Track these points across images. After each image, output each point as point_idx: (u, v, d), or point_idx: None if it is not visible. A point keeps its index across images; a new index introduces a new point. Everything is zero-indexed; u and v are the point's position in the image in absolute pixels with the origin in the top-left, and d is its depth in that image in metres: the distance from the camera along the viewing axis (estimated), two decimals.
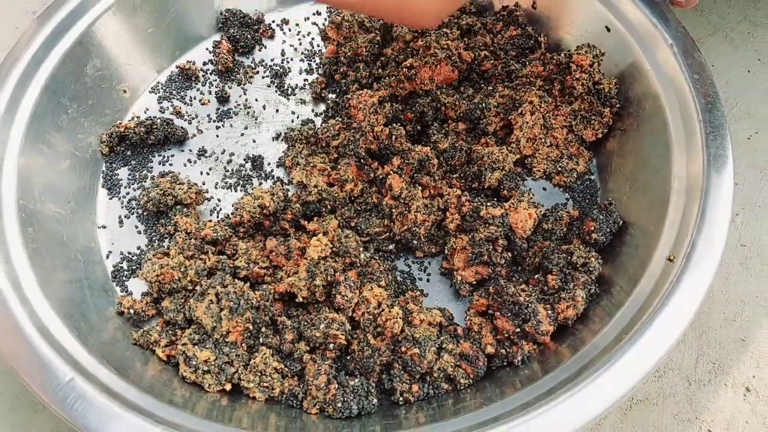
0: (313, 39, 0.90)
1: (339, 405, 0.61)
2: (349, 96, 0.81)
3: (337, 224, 0.71)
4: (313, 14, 0.92)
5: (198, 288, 0.66)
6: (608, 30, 0.78)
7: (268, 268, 0.70)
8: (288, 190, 0.77)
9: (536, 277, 0.69)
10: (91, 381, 0.57)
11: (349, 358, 0.66)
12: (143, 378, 0.61)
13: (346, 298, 0.65)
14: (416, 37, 0.83)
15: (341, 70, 0.85)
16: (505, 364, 0.66)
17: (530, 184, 0.78)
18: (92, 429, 0.54)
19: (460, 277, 0.70)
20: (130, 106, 0.84)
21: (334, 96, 0.85)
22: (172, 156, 0.81)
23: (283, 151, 0.81)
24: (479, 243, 0.69)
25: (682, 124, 0.69)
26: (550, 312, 0.66)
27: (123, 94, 0.83)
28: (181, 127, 0.82)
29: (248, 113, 0.84)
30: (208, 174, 0.80)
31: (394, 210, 0.73)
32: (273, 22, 0.91)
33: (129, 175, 0.79)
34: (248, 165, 0.81)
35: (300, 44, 0.90)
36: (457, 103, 0.78)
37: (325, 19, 0.91)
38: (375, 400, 0.62)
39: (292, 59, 0.89)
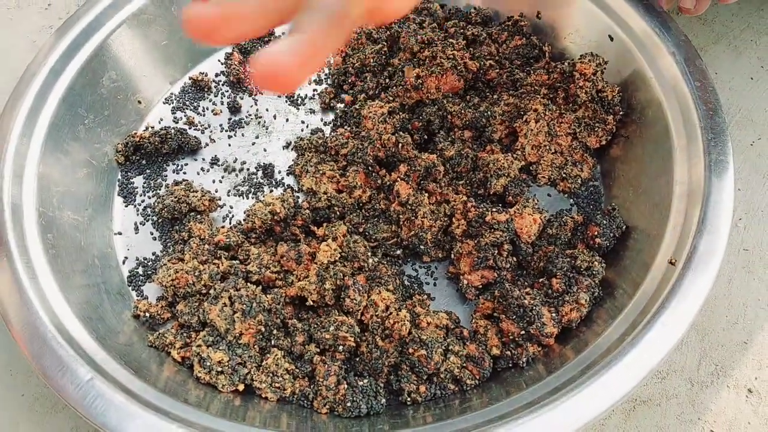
0: None
1: (348, 405, 0.62)
2: (357, 105, 0.82)
3: (345, 230, 0.73)
4: None
5: (212, 292, 0.68)
6: (611, 39, 0.80)
7: (279, 273, 0.71)
8: (298, 197, 0.79)
9: (541, 280, 0.71)
10: (109, 381, 0.58)
11: (358, 359, 0.67)
12: (159, 378, 0.63)
13: (355, 301, 0.67)
14: (423, 48, 0.84)
15: (349, 80, 0.87)
16: (510, 365, 0.67)
17: (535, 191, 0.79)
18: (111, 427, 0.56)
19: (466, 281, 0.71)
20: (144, 116, 0.86)
21: (342, 105, 0.87)
22: (186, 165, 0.83)
23: (292, 160, 0.83)
24: (485, 248, 0.71)
25: (684, 131, 0.71)
26: (554, 315, 0.67)
27: (138, 105, 0.85)
28: (195, 136, 0.84)
29: (259, 123, 0.86)
30: (220, 182, 0.82)
31: (401, 216, 0.74)
32: (283, 33, 0.93)
33: (144, 183, 0.81)
34: (259, 173, 0.82)
35: None
36: (463, 111, 0.80)
37: None
38: (383, 400, 0.64)
39: None
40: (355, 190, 0.76)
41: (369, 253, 0.71)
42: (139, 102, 0.85)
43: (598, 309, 0.68)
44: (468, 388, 0.66)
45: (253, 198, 0.81)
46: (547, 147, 0.79)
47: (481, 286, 0.72)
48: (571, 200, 0.79)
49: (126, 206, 0.80)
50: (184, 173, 0.82)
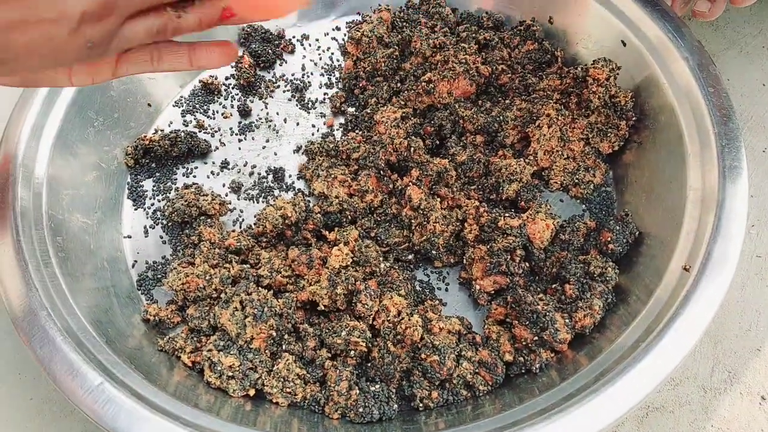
0: (332, 54, 0.92)
1: (360, 410, 0.62)
2: (368, 110, 0.82)
3: (357, 234, 0.73)
4: (333, 30, 0.93)
5: (222, 296, 0.68)
6: (624, 44, 0.79)
7: (290, 277, 0.71)
8: (309, 201, 0.78)
9: (554, 286, 0.71)
10: (119, 385, 0.58)
11: (369, 364, 0.67)
12: (169, 383, 0.62)
13: (366, 306, 0.67)
14: (435, 52, 0.84)
15: (360, 84, 0.87)
16: (523, 371, 0.67)
17: (547, 196, 0.79)
18: (121, 431, 0.55)
19: (479, 287, 0.71)
20: (154, 119, 0.86)
21: (353, 110, 0.87)
22: (196, 168, 0.83)
23: (302, 163, 0.83)
24: (497, 253, 0.70)
25: (697, 137, 0.70)
26: (567, 321, 0.67)
27: (147, 108, 0.85)
28: (204, 140, 0.83)
29: (269, 126, 0.86)
30: (230, 186, 0.82)
31: (413, 221, 0.74)
32: (293, 37, 0.93)
33: (154, 186, 0.81)
34: (270, 177, 0.82)
35: (320, 59, 0.91)
36: (474, 116, 0.80)
37: (345, 35, 0.93)
38: (395, 406, 0.64)
39: (312, 74, 0.90)
40: (367, 195, 0.76)
41: (381, 258, 0.71)
42: (149, 105, 0.85)
43: (612, 315, 0.68)
44: (480, 394, 0.65)
45: (263, 202, 0.80)
46: (560, 152, 0.78)
47: (493, 292, 0.71)
48: (584, 206, 0.79)
49: (135, 209, 0.79)
50: (194, 176, 0.82)
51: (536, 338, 0.66)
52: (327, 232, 0.74)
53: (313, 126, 0.86)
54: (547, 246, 0.73)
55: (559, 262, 0.71)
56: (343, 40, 0.93)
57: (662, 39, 0.76)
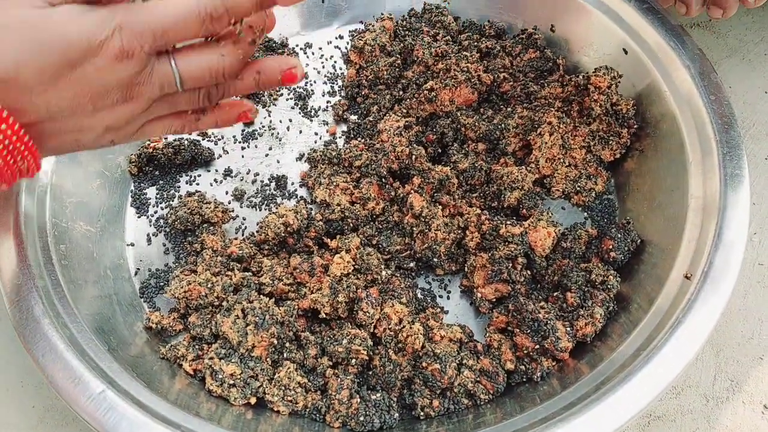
0: (335, 62, 0.92)
1: (361, 419, 0.62)
2: (371, 118, 0.83)
3: (359, 242, 0.73)
4: (336, 38, 0.94)
5: (224, 304, 0.68)
6: (626, 52, 0.79)
7: (292, 285, 0.71)
8: (311, 209, 0.78)
9: (555, 294, 0.71)
10: (121, 393, 0.58)
11: (371, 373, 0.67)
12: (171, 391, 0.63)
13: (368, 314, 0.67)
14: (437, 61, 0.84)
15: (363, 92, 0.87)
16: (524, 380, 0.67)
17: (549, 204, 0.79)
18: None
19: (480, 295, 0.71)
20: None
21: (355, 118, 0.87)
22: (199, 176, 0.83)
23: (305, 171, 0.83)
24: (499, 261, 0.70)
25: (698, 145, 0.71)
26: (569, 329, 0.67)
27: None
28: (208, 148, 0.84)
29: (272, 134, 0.86)
30: (233, 194, 0.82)
31: (414, 228, 0.74)
32: (297, 45, 0.93)
33: (157, 194, 0.81)
34: (272, 185, 0.82)
35: (323, 67, 0.92)
36: (476, 124, 0.80)
37: (348, 43, 0.93)
38: (396, 415, 0.64)
39: (315, 82, 0.91)
40: (369, 202, 0.76)
41: (382, 266, 0.71)
42: None
43: (613, 323, 0.68)
44: (482, 403, 0.65)
45: (266, 209, 0.81)
46: (561, 160, 0.78)
47: (494, 300, 0.72)
48: (585, 214, 0.79)
49: (139, 217, 0.80)
50: (197, 184, 0.82)
51: (537, 346, 0.66)
52: (329, 240, 0.75)
53: (316, 134, 0.86)
54: (549, 254, 0.73)
55: (560, 270, 0.71)
56: (346, 48, 0.93)
57: (663, 47, 0.76)
